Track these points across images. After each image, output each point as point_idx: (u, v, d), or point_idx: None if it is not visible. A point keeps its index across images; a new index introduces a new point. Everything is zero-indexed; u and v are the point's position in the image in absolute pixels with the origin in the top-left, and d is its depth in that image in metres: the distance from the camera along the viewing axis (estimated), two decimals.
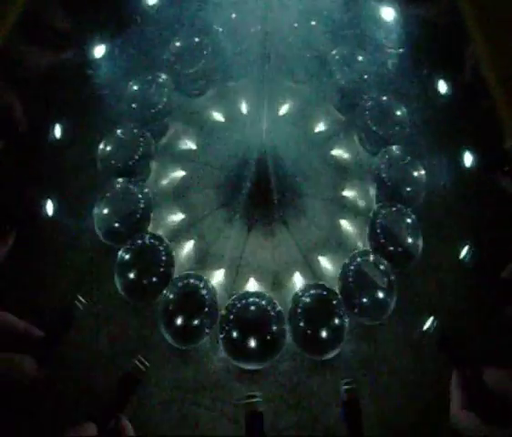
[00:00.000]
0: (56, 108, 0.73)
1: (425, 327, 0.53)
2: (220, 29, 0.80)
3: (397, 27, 0.79)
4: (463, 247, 0.61)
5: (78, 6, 0.77)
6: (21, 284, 0.63)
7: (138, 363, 0.49)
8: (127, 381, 0.49)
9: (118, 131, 0.71)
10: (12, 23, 0.70)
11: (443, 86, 0.75)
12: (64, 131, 0.72)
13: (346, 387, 0.50)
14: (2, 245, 0.58)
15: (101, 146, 0.70)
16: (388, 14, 0.80)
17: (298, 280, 0.67)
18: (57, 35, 0.75)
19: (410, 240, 0.65)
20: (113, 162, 0.69)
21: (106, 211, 0.65)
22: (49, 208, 0.66)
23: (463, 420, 0.46)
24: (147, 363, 0.51)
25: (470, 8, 0.70)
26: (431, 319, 0.53)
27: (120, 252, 0.63)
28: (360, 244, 0.70)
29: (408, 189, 0.69)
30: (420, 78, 0.78)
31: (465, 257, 0.61)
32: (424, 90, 0.76)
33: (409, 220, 0.66)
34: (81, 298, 0.52)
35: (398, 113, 0.74)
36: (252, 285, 0.67)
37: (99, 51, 0.76)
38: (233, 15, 0.80)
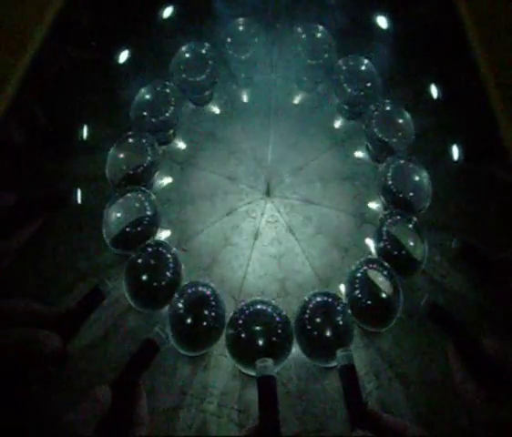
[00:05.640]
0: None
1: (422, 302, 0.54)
2: (228, 38, 0.81)
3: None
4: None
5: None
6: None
7: (159, 331, 0.50)
8: (147, 347, 0.50)
9: (128, 140, 0.71)
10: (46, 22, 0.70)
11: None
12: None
13: (343, 354, 0.51)
14: (30, 228, 0.59)
15: (110, 153, 0.71)
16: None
17: (304, 288, 0.67)
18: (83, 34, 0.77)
19: (416, 248, 0.65)
20: (121, 170, 0.70)
21: (113, 219, 0.66)
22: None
23: (467, 392, 0.45)
24: (167, 332, 0.53)
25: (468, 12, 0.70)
26: (426, 296, 0.54)
27: (128, 260, 0.63)
28: (366, 252, 0.70)
29: (414, 197, 0.69)
30: (422, 84, 0.79)
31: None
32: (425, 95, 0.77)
33: (415, 228, 0.67)
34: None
35: (403, 120, 0.74)
36: (259, 292, 0.67)
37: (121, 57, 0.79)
38: (240, 28, 0.81)
